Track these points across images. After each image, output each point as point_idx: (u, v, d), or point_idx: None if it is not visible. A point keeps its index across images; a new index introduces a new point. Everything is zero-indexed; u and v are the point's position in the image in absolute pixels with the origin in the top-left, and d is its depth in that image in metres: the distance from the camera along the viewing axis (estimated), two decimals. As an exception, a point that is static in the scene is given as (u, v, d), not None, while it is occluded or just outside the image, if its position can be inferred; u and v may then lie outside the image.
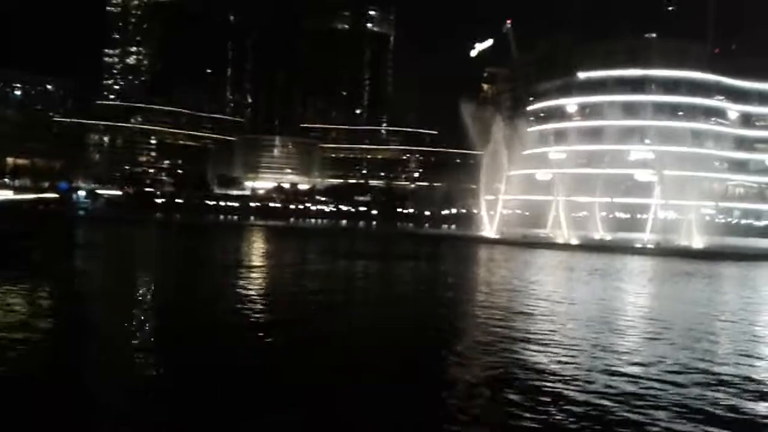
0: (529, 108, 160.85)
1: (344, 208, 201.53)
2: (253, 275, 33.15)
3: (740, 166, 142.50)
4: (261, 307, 22.64)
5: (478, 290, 30.66)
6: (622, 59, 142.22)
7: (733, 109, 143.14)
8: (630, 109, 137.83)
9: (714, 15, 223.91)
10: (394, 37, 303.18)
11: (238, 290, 26.39)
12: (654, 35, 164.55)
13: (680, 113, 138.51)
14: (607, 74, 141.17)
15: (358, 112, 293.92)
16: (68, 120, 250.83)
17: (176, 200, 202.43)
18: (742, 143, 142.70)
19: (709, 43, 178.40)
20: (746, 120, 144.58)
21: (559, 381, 13.67)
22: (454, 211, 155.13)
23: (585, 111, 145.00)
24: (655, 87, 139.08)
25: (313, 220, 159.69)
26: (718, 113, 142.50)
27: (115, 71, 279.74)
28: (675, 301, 28.51)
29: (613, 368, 14.90)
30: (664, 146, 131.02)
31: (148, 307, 22.81)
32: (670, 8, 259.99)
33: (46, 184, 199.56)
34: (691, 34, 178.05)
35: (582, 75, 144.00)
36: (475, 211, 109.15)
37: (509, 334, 18.69)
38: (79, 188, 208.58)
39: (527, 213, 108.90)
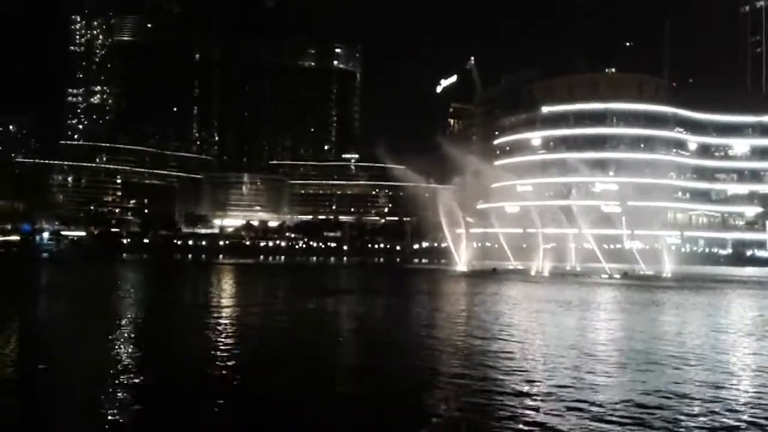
0: (496, 142, 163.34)
1: (315, 244, 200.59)
2: (218, 319, 32.40)
3: (702, 196, 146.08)
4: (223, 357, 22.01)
5: (451, 328, 30.37)
6: (584, 93, 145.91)
7: (692, 141, 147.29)
8: (593, 142, 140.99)
9: (670, 49, 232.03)
10: (360, 74, 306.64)
11: (200, 336, 25.73)
12: (613, 70, 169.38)
13: (641, 145, 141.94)
14: (570, 108, 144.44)
15: (326, 148, 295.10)
16: (31, 160, 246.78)
17: (143, 240, 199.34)
18: (703, 173, 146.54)
19: (666, 76, 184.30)
20: (705, 151, 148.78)
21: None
22: (424, 245, 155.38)
23: (549, 144, 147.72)
24: (616, 120, 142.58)
25: (283, 257, 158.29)
26: (678, 144, 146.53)
27: (78, 110, 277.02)
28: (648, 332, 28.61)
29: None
30: (627, 178, 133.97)
31: (104, 355, 22.01)
32: (628, 43, 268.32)
33: (9, 227, 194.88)
34: (648, 69, 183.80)
35: (545, 109, 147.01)
36: (444, 244, 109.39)
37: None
38: (42, 230, 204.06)
39: (496, 245, 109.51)
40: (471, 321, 32.02)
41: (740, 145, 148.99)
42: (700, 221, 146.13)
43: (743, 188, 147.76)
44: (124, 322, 29.89)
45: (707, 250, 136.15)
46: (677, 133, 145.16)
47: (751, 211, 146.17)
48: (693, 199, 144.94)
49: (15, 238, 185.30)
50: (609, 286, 59.81)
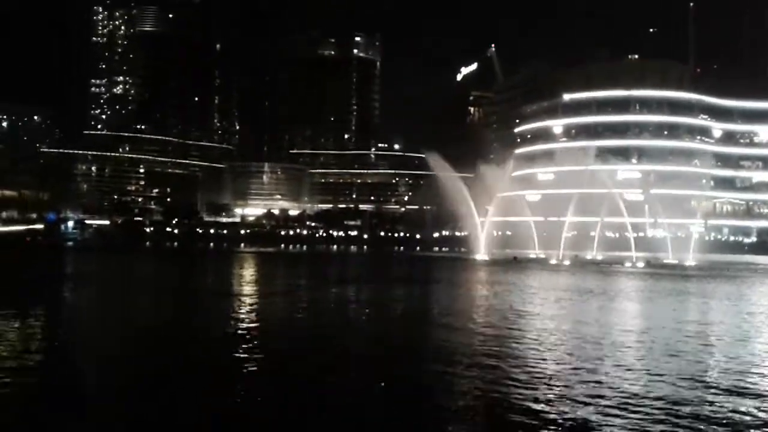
0: (516, 130, 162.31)
1: (335, 232, 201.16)
2: (241, 305, 32.89)
3: (727, 184, 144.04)
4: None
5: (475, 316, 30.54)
6: (606, 80, 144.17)
7: (717, 128, 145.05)
8: (615, 130, 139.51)
9: (694, 36, 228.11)
10: (381, 63, 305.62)
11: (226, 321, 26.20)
12: (636, 56, 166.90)
13: (665, 132, 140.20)
14: (592, 95, 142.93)
15: (346, 137, 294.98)
16: (55, 150, 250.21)
17: (166, 229, 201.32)
18: (728, 161, 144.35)
19: (690, 63, 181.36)
20: (730, 138, 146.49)
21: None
22: (445, 233, 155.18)
23: (571, 132, 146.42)
24: (638, 107, 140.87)
25: (304, 246, 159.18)
26: (703, 132, 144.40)
27: (101, 101, 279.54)
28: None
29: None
30: (650, 165, 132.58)
31: (132, 342, 22.55)
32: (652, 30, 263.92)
33: (34, 216, 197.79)
34: (671, 55, 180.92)
35: (567, 97, 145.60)
36: (465, 233, 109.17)
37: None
38: (67, 219, 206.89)
39: (517, 234, 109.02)
40: (489, 311, 32.17)
41: (765, 132, 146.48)
42: (724, 209, 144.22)
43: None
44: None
45: (731, 238, 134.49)
46: (701, 120, 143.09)
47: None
48: (717, 186, 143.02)
49: (40, 226, 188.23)
50: (631, 275, 59.51)
